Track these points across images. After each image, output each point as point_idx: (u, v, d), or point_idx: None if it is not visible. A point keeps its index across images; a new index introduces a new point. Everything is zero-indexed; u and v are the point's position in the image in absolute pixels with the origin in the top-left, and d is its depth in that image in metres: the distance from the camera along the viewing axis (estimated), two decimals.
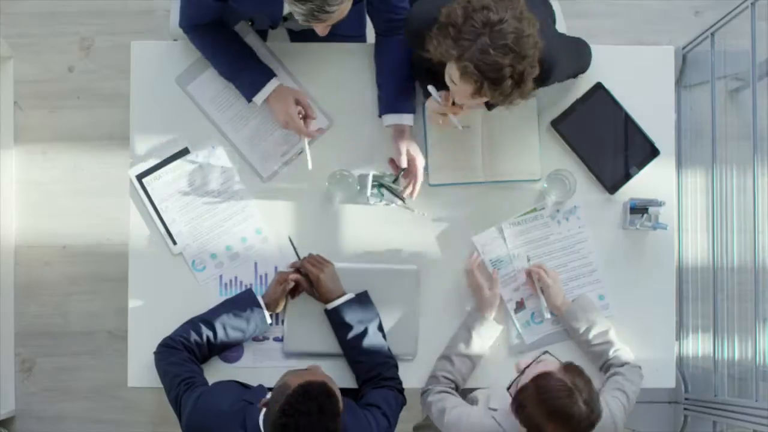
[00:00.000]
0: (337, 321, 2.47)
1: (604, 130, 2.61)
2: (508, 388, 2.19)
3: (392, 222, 2.59)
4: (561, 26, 2.59)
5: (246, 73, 2.50)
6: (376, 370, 2.43)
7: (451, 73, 2.18)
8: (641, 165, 2.61)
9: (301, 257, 2.52)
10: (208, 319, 2.45)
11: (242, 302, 2.48)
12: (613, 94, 2.61)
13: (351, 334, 2.44)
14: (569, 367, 2.16)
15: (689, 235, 3.26)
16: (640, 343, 2.53)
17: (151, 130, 2.57)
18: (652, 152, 2.62)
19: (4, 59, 3.33)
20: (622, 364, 2.46)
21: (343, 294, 2.47)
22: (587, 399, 2.10)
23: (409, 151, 2.50)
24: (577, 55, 2.50)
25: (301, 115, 2.49)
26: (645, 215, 2.57)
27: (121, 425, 3.34)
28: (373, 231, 2.59)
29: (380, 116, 2.55)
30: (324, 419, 2.03)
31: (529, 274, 2.54)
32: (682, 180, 3.23)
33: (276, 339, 2.56)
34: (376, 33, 2.55)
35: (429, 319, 2.55)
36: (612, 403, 2.35)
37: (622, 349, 2.48)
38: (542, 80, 2.31)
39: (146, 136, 2.56)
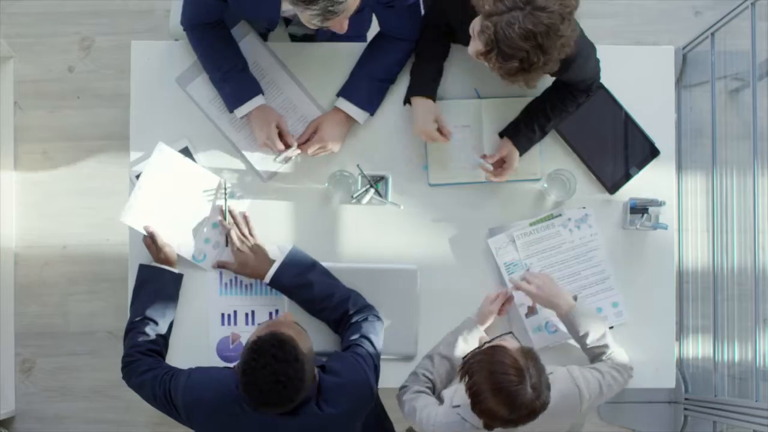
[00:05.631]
0: (281, 287, 2.47)
1: (604, 130, 2.61)
2: (464, 357, 2.16)
3: (392, 222, 2.59)
4: None
5: (230, 84, 2.50)
6: (340, 310, 2.44)
7: (475, 24, 2.16)
8: (641, 165, 2.61)
9: (228, 220, 2.52)
10: (140, 317, 2.45)
11: (148, 279, 2.49)
12: (613, 94, 2.61)
13: (301, 292, 2.46)
14: (527, 352, 2.13)
15: (689, 235, 3.26)
16: (641, 343, 2.53)
17: (151, 130, 2.57)
18: (652, 152, 2.61)
19: (4, 59, 3.33)
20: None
21: (272, 261, 2.48)
22: (535, 384, 2.07)
23: (323, 135, 2.50)
24: (592, 60, 2.44)
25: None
26: (645, 215, 2.56)
27: (121, 425, 3.33)
28: (372, 231, 2.59)
29: (337, 96, 2.55)
30: (281, 367, 2.07)
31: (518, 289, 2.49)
32: (682, 180, 3.23)
33: None
34: (380, 33, 2.55)
35: (429, 319, 2.55)
36: (586, 374, 2.32)
37: (617, 352, 2.44)
38: (558, 71, 2.28)
39: (146, 136, 2.56)
